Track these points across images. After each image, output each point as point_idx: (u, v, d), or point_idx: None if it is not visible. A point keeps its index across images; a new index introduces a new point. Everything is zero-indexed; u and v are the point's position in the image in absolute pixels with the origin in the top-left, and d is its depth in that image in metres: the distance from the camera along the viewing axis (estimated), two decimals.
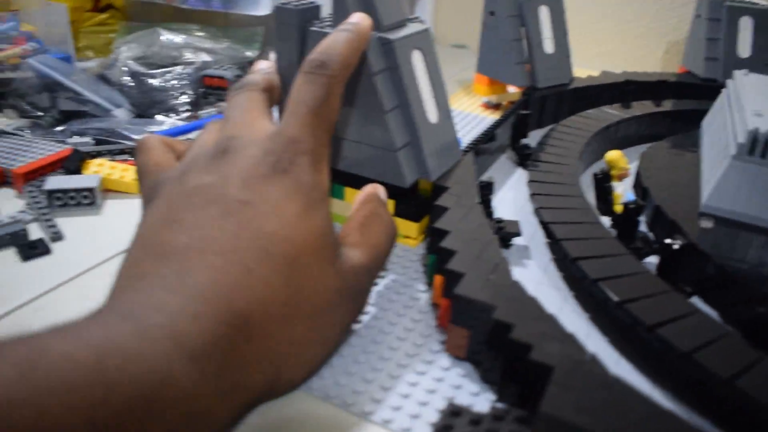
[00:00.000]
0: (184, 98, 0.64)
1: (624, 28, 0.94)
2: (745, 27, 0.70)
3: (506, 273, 0.32)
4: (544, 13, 0.65)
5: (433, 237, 0.36)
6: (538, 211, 0.42)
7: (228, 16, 0.76)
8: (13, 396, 0.17)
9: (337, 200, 0.43)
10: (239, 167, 0.28)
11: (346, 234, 0.30)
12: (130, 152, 0.54)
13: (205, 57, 0.71)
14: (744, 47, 0.70)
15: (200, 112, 0.64)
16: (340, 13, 0.38)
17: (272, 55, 0.41)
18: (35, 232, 0.44)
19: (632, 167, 0.49)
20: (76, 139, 0.56)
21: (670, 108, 0.63)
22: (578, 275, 0.35)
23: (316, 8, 0.40)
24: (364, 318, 0.35)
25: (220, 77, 0.66)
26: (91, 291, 0.38)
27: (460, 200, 0.39)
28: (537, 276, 0.39)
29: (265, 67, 0.36)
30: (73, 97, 0.63)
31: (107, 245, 0.42)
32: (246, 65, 0.73)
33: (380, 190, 0.34)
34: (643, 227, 0.44)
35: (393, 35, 0.38)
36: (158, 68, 0.68)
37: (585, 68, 0.87)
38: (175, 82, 0.65)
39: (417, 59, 0.40)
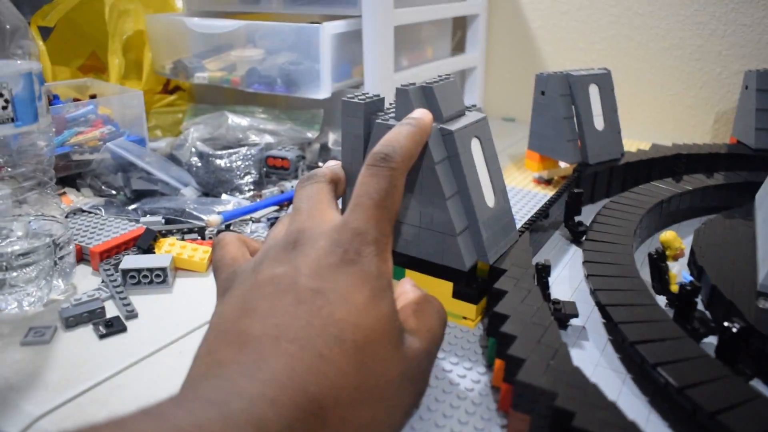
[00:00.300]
0: (249, 178, 0.68)
1: (673, 99, 0.95)
2: None
3: (567, 358, 0.32)
4: (593, 91, 0.67)
5: (493, 320, 0.37)
6: (594, 293, 0.42)
7: (289, 98, 0.80)
8: None
9: (395, 281, 0.44)
10: (309, 258, 0.30)
11: (402, 320, 0.32)
12: (199, 231, 0.56)
13: (269, 138, 0.74)
14: None
15: (263, 191, 0.66)
16: (402, 106, 0.40)
17: (331, 138, 0.43)
18: (111, 309, 0.46)
19: (686, 243, 0.49)
20: (148, 218, 0.59)
21: (723, 181, 0.63)
22: (637, 359, 0.36)
23: (381, 101, 0.42)
24: (427, 401, 0.36)
25: (283, 158, 0.69)
26: (165, 369, 0.40)
27: (519, 283, 0.40)
28: (595, 358, 0.40)
29: (332, 164, 0.39)
30: (144, 176, 0.66)
31: (179, 324, 0.45)
32: (306, 146, 0.77)
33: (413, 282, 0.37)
34: (700, 306, 0.44)
35: (453, 126, 0.40)
36: (224, 149, 0.72)
37: (635, 140, 0.88)
38: (239, 162, 0.68)
39: (475, 147, 0.42)
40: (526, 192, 0.70)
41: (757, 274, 0.44)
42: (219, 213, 0.57)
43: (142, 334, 0.44)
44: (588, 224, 0.54)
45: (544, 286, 0.43)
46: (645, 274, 0.47)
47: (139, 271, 0.49)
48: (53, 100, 0.75)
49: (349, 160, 0.42)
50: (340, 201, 0.41)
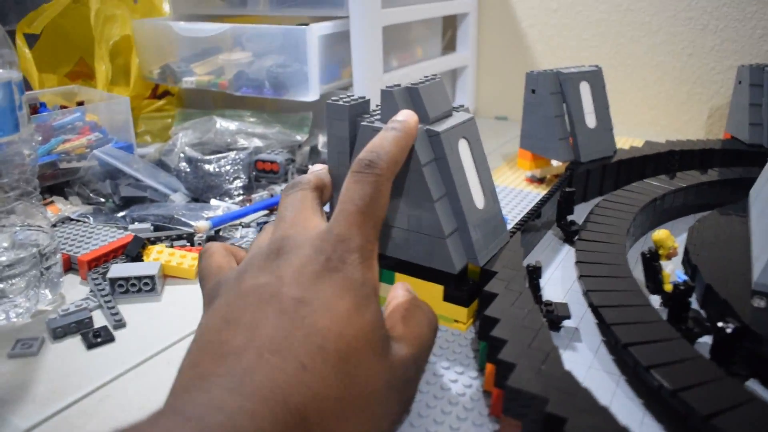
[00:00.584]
0: (238, 182, 0.67)
1: (666, 95, 0.95)
2: None
3: (558, 362, 0.32)
4: (584, 89, 0.67)
5: (483, 324, 0.37)
6: (587, 294, 0.42)
7: (278, 101, 0.80)
8: None
9: (387, 285, 0.44)
10: (293, 266, 0.29)
11: (389, 327, 0.31)
12: (188, 238, 0.56)
13: (257, 142, 0.74)
14: None
15: (253, 196, 0.66)
16: (388, 108, 0.40)
17: (321, 141, 0.43)
18: (99, 319, 0.46)
19: (680, 241, 0.48)
20: (136, 225, 0.59)
21: (717, 177, 0.63)
22: (630, 361, 0.35)
23: (366, 103, 0.42)
24: (417, 407, 0.35)
25: (272, 161, 0.69)
26: (153, 379, 0.39)
27: (509, 285, 0.39)
28: (588, 360, 0.39)
29: (318, 169, 0.38)
30: (133, 183, 0.66)
31: (168, 332, 0.44)
32: (296, 149, 0.76)
33: (408, 286, 0.35)
34: (694, 304, 0.43)
35: (439, 127, 0.40)
36: (213, 153, 0.71)
37: (628, 137, 0.88)
38: (228, 167, 0.68)
39: (463, 148, 0.42)
40: (519, 191, 0.69)
41: (751, 273, 0.44)
42: (208, 219, 0.57)
43: (130, 344, 0.43)
44: (581, 223, 0.54)
45: (536, 288, 0.42)
46: (639, 273, 0.46)
47: (127, 279, 0.49)
48: (40, 107, 0.74)
49: (335, 163, 0.41)
50: (328, 207, 0.41)
